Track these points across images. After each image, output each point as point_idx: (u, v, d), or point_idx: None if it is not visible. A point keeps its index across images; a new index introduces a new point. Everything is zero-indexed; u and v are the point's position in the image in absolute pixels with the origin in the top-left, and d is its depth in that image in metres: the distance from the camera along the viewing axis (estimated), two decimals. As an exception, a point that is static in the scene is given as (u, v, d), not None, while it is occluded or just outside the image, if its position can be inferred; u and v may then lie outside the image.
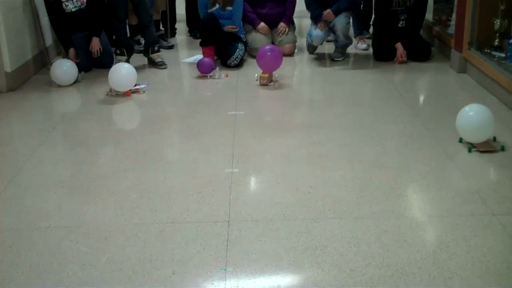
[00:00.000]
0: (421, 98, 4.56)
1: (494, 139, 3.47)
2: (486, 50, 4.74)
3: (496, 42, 4.71)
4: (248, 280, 2.28)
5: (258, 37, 5.69)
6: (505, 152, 3.35)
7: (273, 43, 5.70)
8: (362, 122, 3.97)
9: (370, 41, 5.95)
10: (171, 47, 6.16)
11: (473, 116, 3.34)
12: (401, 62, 5.34)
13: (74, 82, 4.89)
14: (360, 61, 5.61)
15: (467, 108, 3.39)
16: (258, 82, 4.79)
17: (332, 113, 4.20)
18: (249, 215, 2.74)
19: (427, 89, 4.86)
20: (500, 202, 2.83)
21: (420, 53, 5.44)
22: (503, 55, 4.52)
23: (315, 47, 5.77)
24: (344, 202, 2.86)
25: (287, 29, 5.81)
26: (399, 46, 5.36)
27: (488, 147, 3.36)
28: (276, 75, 4.90)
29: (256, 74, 4.86)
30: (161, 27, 6.29)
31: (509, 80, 4.11)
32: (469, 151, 3.33)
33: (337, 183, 3.06)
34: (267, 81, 4.76)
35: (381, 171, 3.18)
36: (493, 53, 4.65)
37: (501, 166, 3.23)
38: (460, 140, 3.44)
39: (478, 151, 3.34)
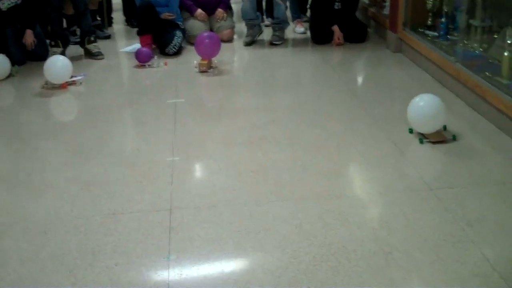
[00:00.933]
0: (359, 79, 4.62)
1: (445, 128, 3.38)
2: (420, 30, 4.83)
3: (429, 22, 4.81)
4: (192, 267, 2.27)
5: (196, 24, 5.64)
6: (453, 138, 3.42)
7: (211, 29, 5.67)
8: (302, 105, 4.00)
9: (307, 25, 5.98)
10: (107, 37, 6.05)
11: (424, 107, 3.25)
12: (338, 45, 5.40)
13: (8, 76, 4.74)
14: (298, 44, 5.64)
15: (417, 98, 3.29)
16: (197, 69, 4.75)
17: (273, 96, 4.21)
18: (191, 202, 2.73)
19: (365, 70, 4.92)
20: (436, 177, 2.91)
21: (356, 34, 5.50)
22: (436, 34, 4.62)
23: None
24: (286, 184, 2.87)
25: (225, 15, 5.78)
26: (335, 28, 5.42)
27: (439, 138, 3.26)
28: (216, 61, 4.87)
29: (195, 61, 4.83)
30: (97, 17, 6.16)
31: (443, 58, 4.20)
32: (421, 142, 3.23)
33: (279, 165, 3.07)
34: (207, 68, 4.73)
35: (322, 152, 3.21)
36: (427, 32, 4.74)
37: (444, 151, 3.30)
38: (411, 131, 3.36)
39: (430, 141, 3.24)
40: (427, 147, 3.23)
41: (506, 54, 3.56)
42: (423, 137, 3.25)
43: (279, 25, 5.54)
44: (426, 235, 2.42)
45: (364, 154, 3.19)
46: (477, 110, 3.70)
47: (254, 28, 5.68)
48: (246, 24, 5.74)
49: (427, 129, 3.27)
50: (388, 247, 2.34)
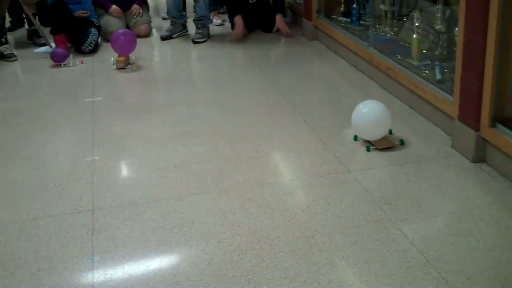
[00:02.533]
0: (277, 68, 4.64)
1: (390, 132, 3.20)
2: (333, 17, 4.92)
3: (342, 8, 4.91)
4: (116, 266, 2.24)
5: (111, 20, 5.54)
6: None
7: (127, 25, 5.58)
8: (222, 97, 4.00)
9: (225, 16, 5.98)
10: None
11: (368, 113, 3.07)
12: (236, 38, 5.37)
13: None
14: (217, 37, 5.63)
15: (361, 105, 3.12)
16: (115, 66, 4.68)
17: (192, 90, 4.20)
18: (113, 201, 2.69)
19: (282, 59, 4.97)
20: (354, 159, 2.98)
21: (269, 23, 5.54)
22: (349, 20, 4.72)
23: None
24: (208, 176, 2.87)
25: (140, 11, 5.70)
26: (238, 20, 5.39)
27: (387, 144, 3.07)
28: (133, 57, 4.81)
29: (112, 58, 4.75)
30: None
31: (356, 43, 4.30)
32: (368, 150, 3.03)
33: (200, 158, 3.07)
34: (124, 65, 4.66)
35: (243, 142, 3.23)
36: (340, 19, 4.84)
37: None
38: (355, 138, 3.16)
39: (376, 148, 3.05)
40: (346, 133, 3.30)
41: (414, 36, 3.68)
42: (369, 144, 3.07)
43: (201, 21, 5.49)
44: (346, 217, 2.48)
45: (285, 142, 3.23)
46: (390, 92, 3.81)
47: (176, 25, 5.63)
48: (171, 20, 5.68)
49: (372, 136, 3.08)
50: (311, 231, 2.38)
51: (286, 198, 2.66)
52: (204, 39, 5.45)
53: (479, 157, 2.87)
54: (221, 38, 5.58)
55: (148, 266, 2.23)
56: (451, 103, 3.07)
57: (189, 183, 2.82)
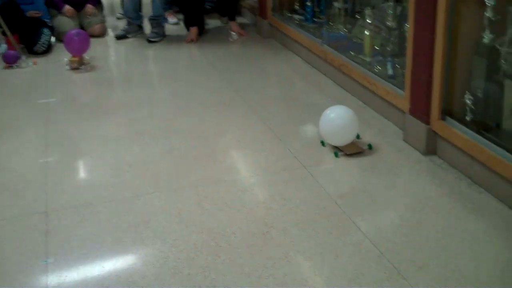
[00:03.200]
0: (233, 67, 4.65)
1: (358, 136, 3.11)
2: (288, 15, 4.95)
3: (296, 6, 4.95)
4: (71, 267, 2.22)
5: (65, 21, 5.46)
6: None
7: (81, 25, 5.51)
8: (177, 96, 3.99)
9: (181, 15, 5.97)
10: None
11: (336, 119, 2.98)
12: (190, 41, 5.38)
13: None
14: (172, 36, 5.60)
15: (328, 111, 3.03)
16: (68, 67, 4.61)
17: (147, 90, 4.18)
18: (67, 202, 2.66)
19: (237, 57, 4.97)
20: (309, 155, 3.01)
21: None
22: (303, 17, 4.76)
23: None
24: (164, 175, 2.87)
25: (95, 11, 5.64)
26: (193, 30, 5.39)
27: (355, 149, 3.00)
28: (87, 57, 4.75)
29: (66, 59, 4.68)
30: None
31: (310, 41, 4.33)
32: (336, 156, 2.96)
33: (156, 158, 3.06)
34: (78, 65, 4.60)
35: (199, 141, 3.23)
36: (295, 16, 4.87)
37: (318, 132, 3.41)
38: (323, 144, 3.08)
39: (345, 154, 2.97)
40: (301, 130, 3.33)
41: (366, 33, 3.73)
42: (338, 150, 2.99)
43: (156, 21, 5.45)
44: (301, 212, 2.51)
45: (241, 139, 3.24)
46: (344, 88, 3.86)
47: (132, 25, 5.58)
48: (127, 20, 5.63)
49: (341, 141, 3.02)
50: (266, 227, 2.40)
51: (242, 195, 2.67)
52: (159, 39, 5.42)
53: (430, 150, 2.94)
54: (176, 37, 5.56)
55: (103, 267, 2.22)
56: (402, 97, 3.13)
57: (144, 182, 2.80)
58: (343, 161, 2.92)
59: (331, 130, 2.99)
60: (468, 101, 2.74)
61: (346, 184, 2.72)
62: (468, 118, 2.75)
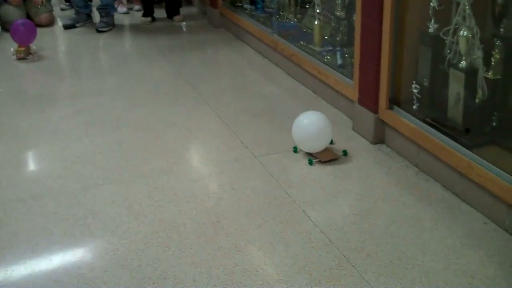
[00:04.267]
0: (184, 57, 4.60)
1: (331, 142, 2.96)
2: (238, 4, 4.94)
3: (247, -4, 4.94)
4: (18, 261, 2.16)
5: (11, 10, 5.30)
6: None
7: (28, 14, 5.37)
8: (127, 86, 3.94)
9: (130, 5, 5.90)
10: None
11: (309, 125, 2.84)
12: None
13: None
14: (122, 26, 5.52)
15: (301, 117, 2.89)
16: (15, 57, 4.49)
17: (96, 80, 4.11)
18: (14, 194, 2.59)
19: (188, 47, 4.92)
20: (259, 144, 3.01)
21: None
22: (253, 7, 4.75)
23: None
24: (113, 167, 2.83)
25: (43, 0, 5.50)
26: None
27: (330, 156, 2.85)
28: (34, 47, 4.64)
29: (12, 49, 4.56)
30: None
31: (261, 30, 4.33)
32: (310, 163, 2.80)
33: (105, 149, 3.01)
34: (25, 55, 4.49)
35: (149, 131, 3.20)
36: (245, 6, 4.86)
37: (265, 121, 3.42)
38: (295, 150, 2.93)
39: (319, 161, 2.82)
40: (252, 120, 3.33)
41: (316, 23, 3.75)
42: (312, 157, 2.84)
43: (105, 10, 5.35)
44: (252, 201, 2.51)
45: (191, 129, 3.22)
46: (295, 77, 3.87)
47: (80, 15, 5.46)
48: (75, 9, 5.52)
49: (314, 148, 2.87)
50: (216, 217, 2.39)
51: (192, 185, 2.66)
52: (108, 28, 5.33)
53: (379, 139, 2.97)
54: (126, 27, 5.48)
55: (51, 260, 2.17)
56: (351, 87, 3.16)
57: (94, 174, 2.76)
58: (292, 152, 2.93)
59: (304, 137, 2.85)
60: (415, 90, 2.79)
61: (296, 173, 2.73)
62: (415, 107, 2.80)
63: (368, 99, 2.98)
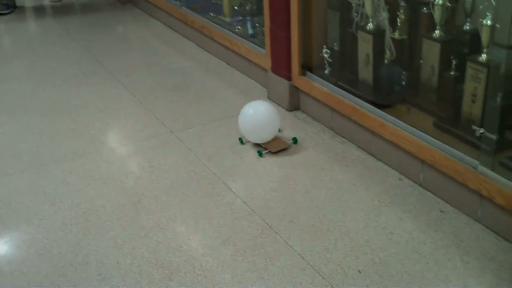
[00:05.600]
0: (91, 35, 4.44)
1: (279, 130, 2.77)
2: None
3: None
4: None
5: None
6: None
7: None
8: (34, 70, 3.78)
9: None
10: None
11: (255, 116, 2.66)
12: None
13: None
14: (24, 7, 5.27)
15: (246, 107, 2.70)
16: None
17: (1, 65, 3.91)
18: None
19: (96, 25, 4.74)
20: (175, 120, 2.97)
21: None
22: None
23: None
24: (24, 154, 2.71)
25: None
26: None
27: (280, 146, 2.68)
28: None
29: None
30: None
31: (169, 4, 4.24)
32: (260, 155, 2.62)
33: (14, 136, 2.89)
34: None
35: (59, 115, 3.09)
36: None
37: (181, 98, 3.37)
38: (241, 141, 2.74)
39: (269, 152, 2.64)
40: (167, 95, 3.28)
41: (225, -7, 3.71)
42: (262, 149, 2.66)
43: None
44: (171, 177, 2.48)
45: (104, 109, 3.13)
46: (207, 50, 3.83)
47: None
48: None
49: (262, 138, 2.69)
50: (136, 197, 2.35)
51: (109, 166, 2.59)
52: (10, 10, 5.08)
53: (294, 105, 2.99)
54: (28, 8, 5.24)
55: (-36, 256, 2.08)
56: (263, 56, 3.16)
57: (3, 163, 2.64)
58: (208, 124, 2.91)
59: (251, 128, 2.67)
60: (325, 55, 2.81)
61: (213, 146, 2.71)
62: (327, 72, 2.83)
63: (281, 67, 2.99)
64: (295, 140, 2.71)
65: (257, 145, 2.69)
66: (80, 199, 2.35)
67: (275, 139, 2.70)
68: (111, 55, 3.91)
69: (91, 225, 2.19)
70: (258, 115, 2.66)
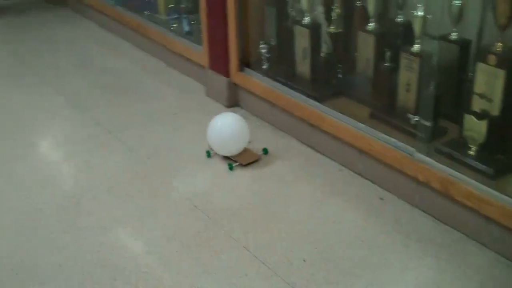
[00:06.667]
0: (20, 36, 4.29)
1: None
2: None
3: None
4: None
5: None
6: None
7: None
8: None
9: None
10: None
11: (224, 128, 2.58)
12: None
13: None
14: None
15: (214, 120, 2.61)
16: None
17: None
18: None
19: (26, 27, 4.64)
20: (113, 120, 2.96)
21: None
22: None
23: None
24: (-44, 160, 2.66)
25: None
26: None
27: (251, 158, 2.59)
28: None
29: None
30: None
31: (103, 4, 4.20)
32: (231, 168, 2.53)
33: None
34: None
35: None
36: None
37: (118, 95, 3.35)
38: (208, 155, 2.63)
39: (241, 165, 2.55)
40: (102, 97, 3.26)
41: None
42: (232, 161, 2.57)
43: None
44: (112, 178, 2.47)
45: (36, 113, 3.08)
46: (144, 49, 3.83)
47: None
48: None
49: (231, 151, 2.61)
50: (76, 198, 2.33)
51: (45, 169, 2.56)
52: None
53: (233, 102, 3.03)
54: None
55: None
56: (201, 53, 3.18)
57: None
58: (147, 122, 2.92)
59: (221, 141, 2.58)
60: (263, 50, 2.86)
61: (154, 144, 2.72)
62: (265, 67, 2.88)
63: (219, 63, 3.02)
64: (265, 151, 2.63)
65: (226, 158, 2.59)
66: (17, 203, 2.31)
67: (246, 150, 2.61)
68: (41, 57, 3.85)
69: (30, 230, 2.16)
70: (228, 127, 2.58)
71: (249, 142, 2.64)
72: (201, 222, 2.17)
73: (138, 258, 2.00)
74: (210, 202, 2.29)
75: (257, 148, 2.63)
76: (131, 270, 1.94)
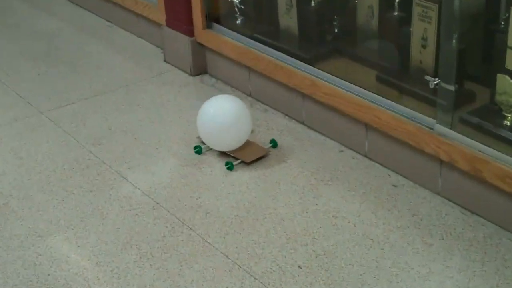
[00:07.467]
0: None
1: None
2: None
3: None
4: None
5: None
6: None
7: None
8: None
9: None
10: None
11: (219, 117, 2.46)
12: None
13: None
14: None
15: (206, 106, 2.50)
16: None
17: None
18: None
19: None
20: (45, 97, 2.95)
21: None
22: None
23: None
24: None
25: None
26: None
27: (257, 153, 2.48)
28: None
29: None
30: None
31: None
32: (230, 169, 2.42)
33: None
34: None
35: None
36: None
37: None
38: (199, 151, 2.51)
39: (243, 163, 2.46)
40: (30, 66, 3.21)
41: None
42: (233, 159, 2.47)
43: None
44: (47, 170, 2.45)
45: None
46: (81, 5, 3.81)
47: None
48: None
49: (230, 146, 2.49)
50: (2, 198, 2.31)
51: (-39, 162, 2.53)
52: None
53: (199, 68, 3.02)
54: None
55: None
56: (155, 7, 3.15)
57: None
58: (93, 97, 2.88)
59: (215, 133, 2.47)
60: (236, 1, 2.83)
61: (100, 126, 2.71)
62: (239, 22, 2.85)
63: (179, 19, 2.99)
64: (274, 143, 2.53)
65: (224, 154, 2.50)
66: None
67: (248, 143, 2.51)
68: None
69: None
70: (224, 116, 2.46)
71: (252, 131, 2.54)
72: (165, 223, 2.16)
73: (85, 271, 1.98)
74: (176, 197, 2.27)
75: (259, 138, 2.60)
76: (78, 287, 1.91)
